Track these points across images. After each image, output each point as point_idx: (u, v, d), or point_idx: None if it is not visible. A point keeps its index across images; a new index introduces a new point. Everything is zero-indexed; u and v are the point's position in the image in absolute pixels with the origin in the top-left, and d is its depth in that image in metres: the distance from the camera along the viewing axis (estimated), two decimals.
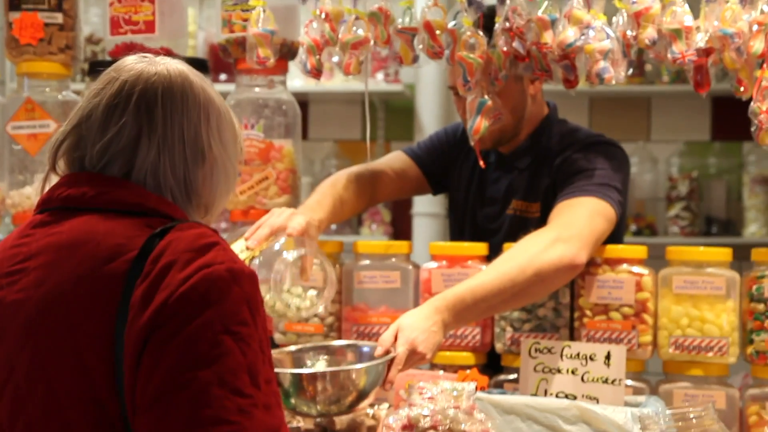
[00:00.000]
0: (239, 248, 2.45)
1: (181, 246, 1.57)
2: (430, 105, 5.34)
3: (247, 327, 1.54)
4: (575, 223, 2.57)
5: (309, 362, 2.43)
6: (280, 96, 3.09)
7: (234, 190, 1.83)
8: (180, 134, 1.67)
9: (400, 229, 5.57)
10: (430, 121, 5.35)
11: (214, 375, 1.49)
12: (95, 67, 3.20)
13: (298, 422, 2.42)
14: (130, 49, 3.08)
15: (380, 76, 5.35)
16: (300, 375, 2.23)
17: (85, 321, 1.55)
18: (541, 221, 2.73)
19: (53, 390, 1.55)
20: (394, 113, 5.65)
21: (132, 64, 1.70)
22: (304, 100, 5.65)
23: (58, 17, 3.11)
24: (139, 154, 1.65)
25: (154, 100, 1.66)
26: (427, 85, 5.31)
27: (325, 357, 2.45)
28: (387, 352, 2.33)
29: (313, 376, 2.22)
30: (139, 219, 1.63)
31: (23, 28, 3.08)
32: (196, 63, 3.12)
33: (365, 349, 2.42)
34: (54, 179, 1.72)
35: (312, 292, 2.56)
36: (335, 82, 5.33)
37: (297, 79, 5.27)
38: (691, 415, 1.90)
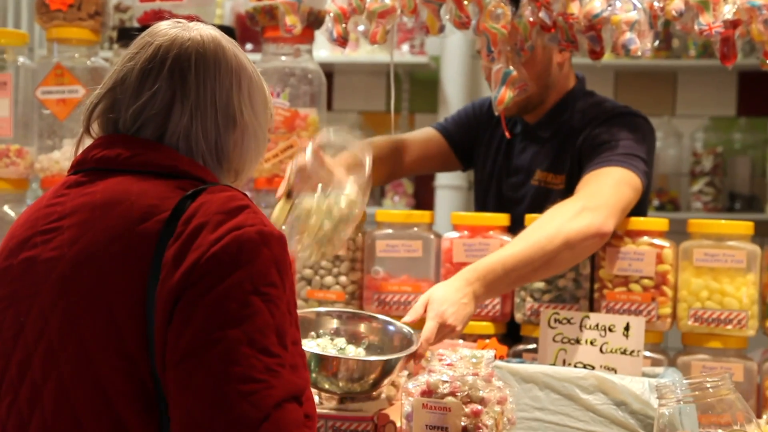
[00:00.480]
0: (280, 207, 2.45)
1: (212, 208, 1.60)
2: (455, 77, 5.35)
3: (275, 288, 1.58)
4: (602, 193, 2.59)
5: (333, 332, 2.43)
6: (306, 65, 3.11)
7: (263, 156, 1.86)
8: (212, 99, 1.70)
9: (423, 201, 5.59)
10: (454, 94, 5.36)
11: (244, 334, 1.53)
12: (124, 34, 3.24)
13: None
14: (159, 15, 3.07)
15: (405, 47, 5.36)
16: (322, 356, 2.24)
17: (118, 279, 1.59)
18: (566, 193, 2.76)
19: (85, 345, 1.59)
20: (419, 85, 5.65)
21: (166, 29, 1.73)
22: (329, 71, 5.66)
23: None
24: (172, 119, 1.69)
25: (188, 65, 1.69)
26: (452, 58, 5.32)
27: (349, 328, 2.45)
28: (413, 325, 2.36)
29: (337, 361, 2.24)
30: (172, 181, 1.66)
31: None
32: (224, 31, 3.14)
33: (390, 327, 2.43)
34: (87, 142, 1.76)
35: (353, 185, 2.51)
36: (360, 53, 5.34)
37: (323, 50, 5.28)
38: (708, 385, 1.91)
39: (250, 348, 1.53)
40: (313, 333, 2.40)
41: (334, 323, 2.45)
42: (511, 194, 3.06)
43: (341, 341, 2.38)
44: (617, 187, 2.63)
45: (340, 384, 2.24)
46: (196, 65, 1.69)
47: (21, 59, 3.24)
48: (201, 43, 1.71)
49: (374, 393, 2.36)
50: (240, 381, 1.51)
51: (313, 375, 2.23)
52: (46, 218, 1.69)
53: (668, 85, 5.50)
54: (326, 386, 2.26)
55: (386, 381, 2.31)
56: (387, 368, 2.26)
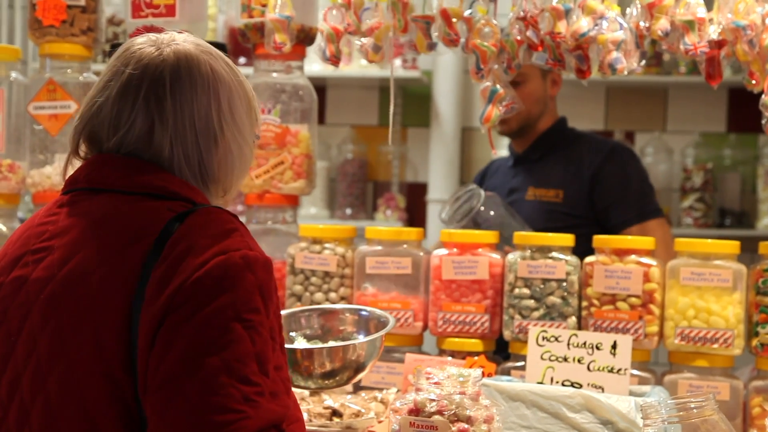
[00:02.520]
0: None
1: (199, 231, 1.61)
2: (447, 91, 5.37)
3: (258, 314, 1.58)
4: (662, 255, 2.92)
5: (302, 327, 2.43)
6: (297, 81, 3.13)
7: (251, 166, 1.84)
8: (191, 122, 1.69)
9: (415, 215, 5.60)
10: (447, 108, 5.38)
11: (223, 362, 1.53)
12: (117, 49, 3.24)
13: (308, 404, 2.46)
14: (151, 32, 3.11)
15: (398, 62, 5.37)
16: (294, 349, 2.24)
17: (105, 301, 1.59)
18: (566, 206, 3.43)
19: (72, 367, 1.59)
20: (412, 99, 5.66)
21: (139, 52, 1.70)
22: (321, 85, 5.67)
23: None
24: (153, 146, 1.69)
25: (163, 91, 1.67)
26: (445, 72, 5.33)
27: (323, 323, 2.45)
28: None
29: (309, 352, 2.23)
30: (162, 202, 1.66)
31: (46, 9, 3.12)
32: (215, 47, 3.16)
33: (363, 313, 2.44)
34: (77, 162, 1.76)
35: None
36: (353, 68, 5.35)
37: (315, 64, 5.29)
38: (692, 405, 1.92)
39: (228, 377, 1.52)
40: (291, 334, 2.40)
41: (306, 321, 2.45)
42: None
43: (300, 340, 2.38)
44: (668, 244, 3.10)
45: (316, 380, 2.24)
46: (172, 89, 1.67)
47: (13, 74, 3.25)
48: (175, 64, 1.68)
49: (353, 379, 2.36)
50: (216, 411, 1.51)
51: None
52: (37, 237, 1.70)
53: (659, 101, 5.52)
54: (301, 383, 2.24)
55: (362, 374, 2.31)
56: (365, 352, 2.26)
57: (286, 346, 2.20)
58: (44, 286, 1.64)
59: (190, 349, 1.53)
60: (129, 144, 1.69)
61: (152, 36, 1.74)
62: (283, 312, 2.43)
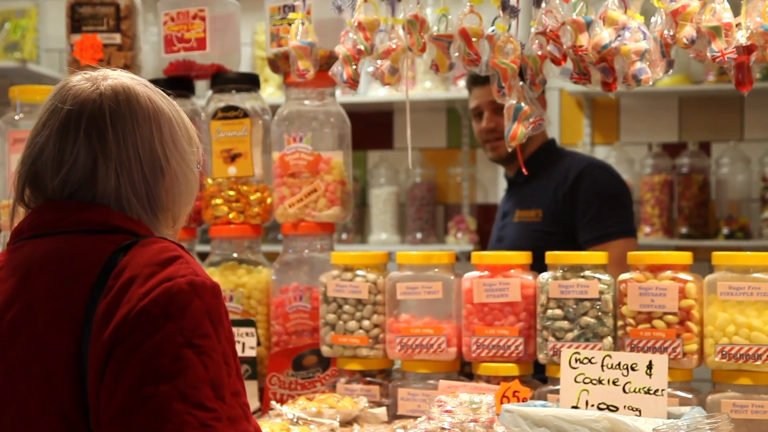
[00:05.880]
0: None
1: (143, 260, 1.59)
2: None
3: (209, 340, 1.56)
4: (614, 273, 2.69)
5: None
6: (329, 108, 3.10)
7: (197, 192, 1.82)
8: (135, 154, 1.68)
9: (486, 236, 5.51)
10: None
11: (175, 389, 1.50)
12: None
13: None
14: (184, 66, 3.14)
15: (462, 83, 5.31)
16: None
17: (52, 340, 1.58)
18: (545, 224, 3.63)
19: (23, 410, 1.58)
20: None
21: (75, 88, 1.70)
22: (389, 110, 5.66)
23: (116, 38, 3.20)
24: (99, 182, 1.67)
25: (104, 124, 1.66)
26: None
27: None
28: None
29: None
30: (105, 236, 1.65)
31: (83, 49, 3.18)
32: (247, 78, 3.17)
33: None
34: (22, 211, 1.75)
35: None
36: (417, 91, 5.31)
37: (381, 90, 5.29)
38: (707, 427, 1.84)
39: (182, 403, 1.50)
40: None
41: None
42: (502, 234, 3.84)
43: None
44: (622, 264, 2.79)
45: None
46: (113, 122, 1.66)
47: None
48: (113, 97, 1.68)
49: None
50: None
51: None
52: None
53: (735, 109, 5.34)
54: None
55: None
56: None
57: None
58: None
59: (141, 379, 1.51)
60: (74, 181, 1.68)
61: (86, 73, 1.74)
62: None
